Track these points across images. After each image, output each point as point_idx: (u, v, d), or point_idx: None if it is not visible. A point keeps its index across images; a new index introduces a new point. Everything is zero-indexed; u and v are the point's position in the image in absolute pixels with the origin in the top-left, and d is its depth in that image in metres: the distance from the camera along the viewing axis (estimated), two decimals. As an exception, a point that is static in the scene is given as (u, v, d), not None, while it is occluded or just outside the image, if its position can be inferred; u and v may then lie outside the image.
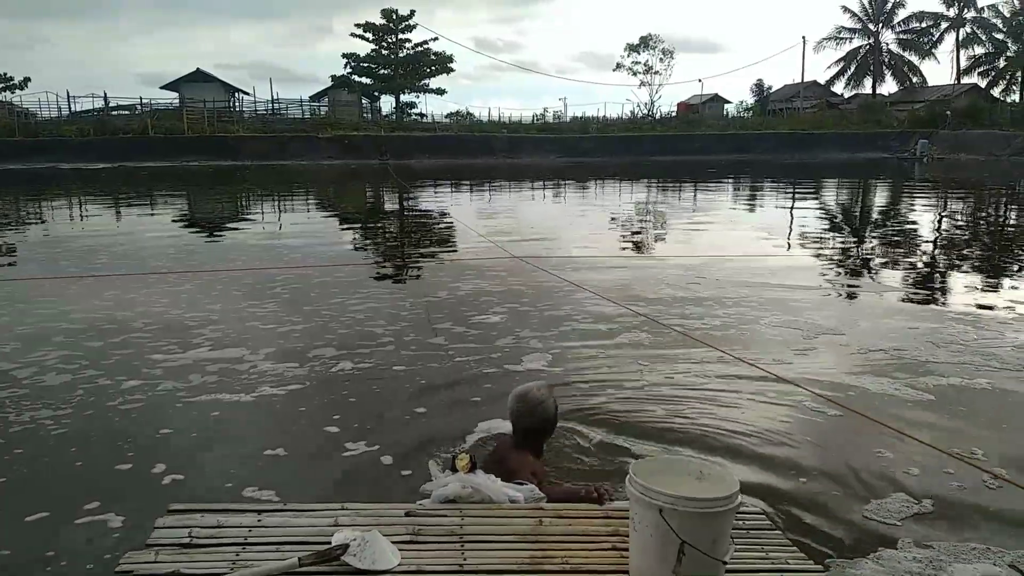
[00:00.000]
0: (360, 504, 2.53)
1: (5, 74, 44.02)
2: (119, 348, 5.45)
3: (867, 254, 10.76)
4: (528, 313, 6.51)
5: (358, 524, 2.34)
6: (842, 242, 12.25)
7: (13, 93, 44.61)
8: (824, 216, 16.16)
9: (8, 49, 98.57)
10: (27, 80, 44.36)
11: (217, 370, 4.91)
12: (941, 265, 10.00)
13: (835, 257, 10.47)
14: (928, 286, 8.36)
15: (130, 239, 11.96)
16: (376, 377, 4.84)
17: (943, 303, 7.39)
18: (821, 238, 12.32)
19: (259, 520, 2.41)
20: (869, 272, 9.23)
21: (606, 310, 6.58)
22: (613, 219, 15.16)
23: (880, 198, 22.10)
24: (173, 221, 15.57)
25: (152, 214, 16.84)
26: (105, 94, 43.23)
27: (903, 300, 7.35)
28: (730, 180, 28.00)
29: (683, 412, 4.13)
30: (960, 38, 52.08)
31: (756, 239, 11.98)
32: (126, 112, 43.94)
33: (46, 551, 2.75)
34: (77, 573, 2.64)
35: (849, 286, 8.23)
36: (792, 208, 17.97)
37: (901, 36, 53.62)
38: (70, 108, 43.41)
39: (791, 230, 13.33)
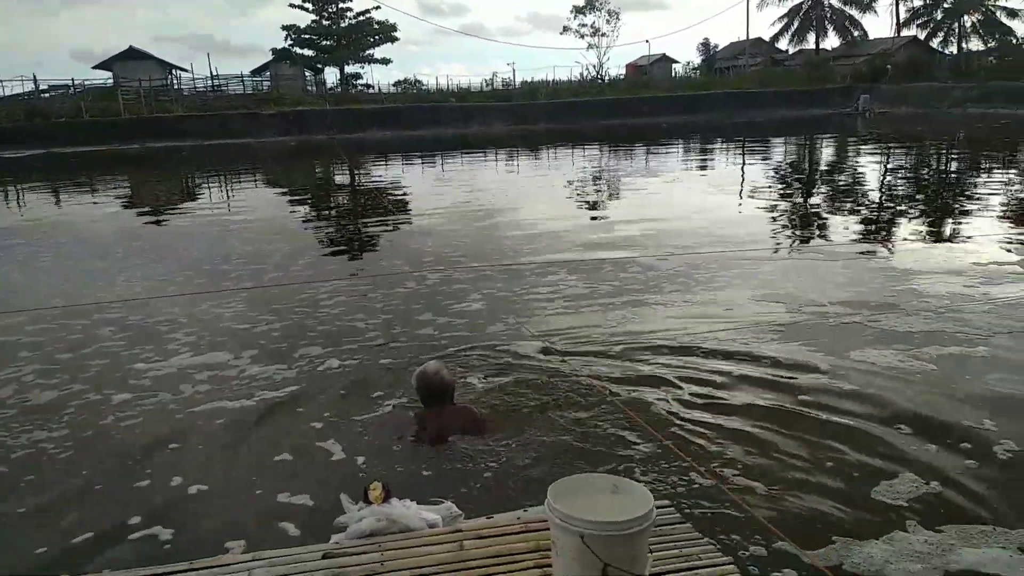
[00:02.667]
0: (274, 552, 2.46)
1: (-78, 58, 41.63)
2: (95, 358, 5.34)
3: (817, 214, 11.10)
4: (508, 299, 6.57)
5: (274, 577, 2.28)
6: (794, 204, 12.58)
7: (-68, 78, 42.26)
8: (775, 177, 16.54)
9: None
10: (-53, 64, 42.02)
11: (207, 378, 4.87)
12: (889, 222, 10.39)
13: (789, 218, 10.78)
14: (886, 245, 8.66)
15: (72, 231, 11.71)
16: (368, 372, 4.85)
17: (904, 262, 7.59)
18: (772, 201, 12.64)
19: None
20: (823, 233, 9.53)
21: (583, 285, 6.73)
22: (581, 197, 15.22)
23: (825, 156, 22.63)
24: (116, 209, 15.19)
25: (94, 202, 16.32)
26: (35, 76, 41.26)
27: (865, 262, 7.67)
28: (679, 142, 28.37)
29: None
30: (899, -10, 53.04)
31: (709, 201, 12.24)
32: (60, 92, 42.04)
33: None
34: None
35: (806, 249, 8.50)
36: (743, 168, 18.32)
37: (843, -11, 54.33)
38: (-4, 92, 41.33)
39: (742, 191, 13.64)
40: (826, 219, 10.51)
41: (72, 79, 43.98)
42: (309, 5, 46.22)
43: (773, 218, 10.95)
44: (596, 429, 3.80)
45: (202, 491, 3.38)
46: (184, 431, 4.05)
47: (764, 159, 21.23)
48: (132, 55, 46.12)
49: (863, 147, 24.12)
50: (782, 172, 17.84)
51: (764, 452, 3.52)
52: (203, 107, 41.33)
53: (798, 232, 9.72)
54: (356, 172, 21.98)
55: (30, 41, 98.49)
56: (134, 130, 36.63)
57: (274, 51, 47.98)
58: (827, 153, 23.39)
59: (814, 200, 12.99)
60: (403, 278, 7.61)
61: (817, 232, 9.52)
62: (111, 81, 43.93)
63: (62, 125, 36.60)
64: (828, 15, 54.78)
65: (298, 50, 47.28)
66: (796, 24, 55.07)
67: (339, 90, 47.53)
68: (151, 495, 3.37)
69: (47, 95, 42.10)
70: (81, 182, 21.26)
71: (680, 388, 4.32)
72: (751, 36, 54.28)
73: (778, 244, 8.92)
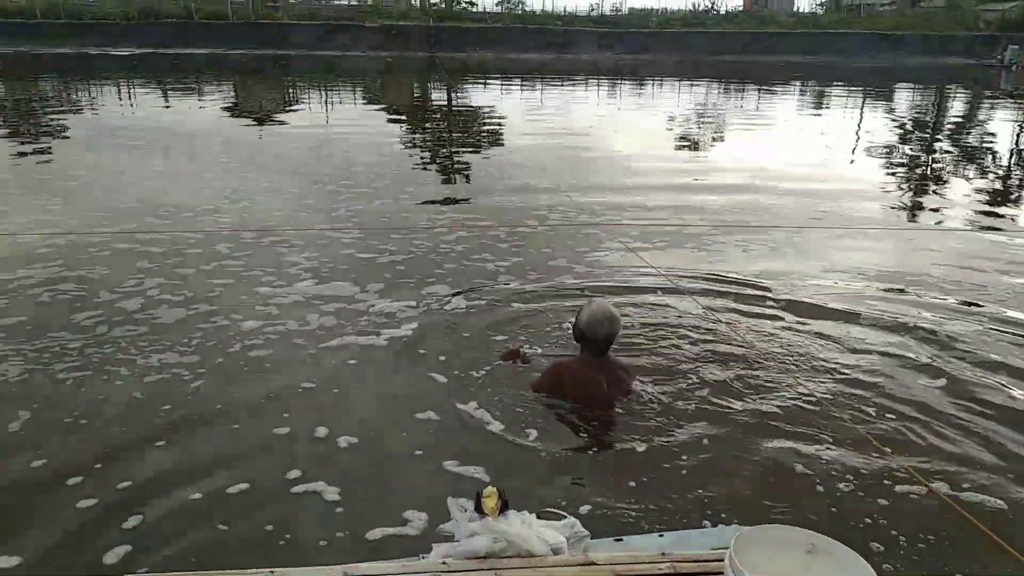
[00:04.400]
0: (357, 565, 1.95)
1: (47, -50, 42.79)
2: (217, 277, 5.13)
3: (980, 188, 9.93)
4: (650, 251, 6.02)
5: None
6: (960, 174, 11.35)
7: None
8: (923, 137, 15.10)
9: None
10: (70, -43, 43.13)
11: (333, 310, 4.58)
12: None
13: (951, 189, 9.69)
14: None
15: (178, 137, 11.75)
16: (502, 317, 4.47)
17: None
18: (927, 167, 11.46)
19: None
20: (983, 210, 8.48)
21: (733, 242, 6.12)
22: (703, 141, 14.30)
23: (974, 113, 20.55)
24: (220, 117, 15.24)
25: (200, 107, 16.45)
26: (148, -27, 41.88)
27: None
28: (801, 85, 26.47)
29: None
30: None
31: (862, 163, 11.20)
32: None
33: (267, 527, 2.56)
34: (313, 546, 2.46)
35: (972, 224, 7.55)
36: (861, 123, 16.82)
37: (997, -76, 48.82)
38: (114, -13, 42.28)
39: (891, 151, 12.44)
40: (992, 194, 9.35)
41: (185, -21, 44.46)
42: (420, -87, 44.93)
43: (937, 188, 9.88)
44: (782, 431, 3.21)
45: (353, 445, 3.07)
46: (316, 369, 3.76)
47: (909, 113, 19.47)
48: (242, -43, 46.08)
49: (1000, 106, 21.83)
50: (932, 131, 16.28)
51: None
52: (309, 15, 41.21)
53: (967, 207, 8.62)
54: (458, 93, 21.41)
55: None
56: (238, 35, 36.96)
57: (381, -39, 47.10)
58: (974, 110, 21.24)
59: (971, 171, 11.69)
60: (522, 216, 7.13)
61: (979, 209, 8.42)
62: (221, -17, 44.15)
63: (170, 25, 37.24)
64: (979, -48, 49.48)
65: (405, -39, 46.26)
66: (940, -39, 50.04)
67: (442, 5, 46.45)
68: (300, 444, 3.08)
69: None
70: (186, 86, 21.52)
71: (905, 387, 3.62)
72: (887, -28, 49.77)
73: (940, 219, 7.94)
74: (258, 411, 3.33)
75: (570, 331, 3.55)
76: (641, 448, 3.07)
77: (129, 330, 4.16)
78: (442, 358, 3.90)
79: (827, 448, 3.06)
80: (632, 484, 2.84)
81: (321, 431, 3.16)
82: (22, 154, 10.16)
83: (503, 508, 2.17)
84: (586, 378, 3.39)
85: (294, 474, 2.84)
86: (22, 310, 4.43)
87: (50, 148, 10.83)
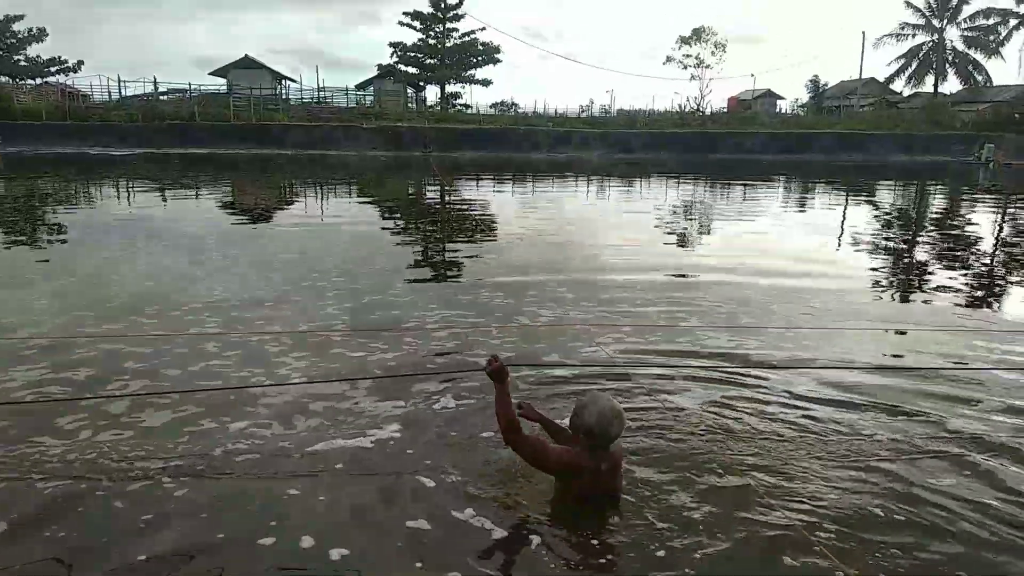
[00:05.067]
0: None
1: (59, 57, 44.81)
2: (206, 378, 5.06)
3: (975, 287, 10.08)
4: (641, 349, 6.02)
5: None
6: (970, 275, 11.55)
7: (67, 76, 45.46)
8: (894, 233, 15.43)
9: (63, 31, 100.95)
10: (80, 63, 45.21)
11: (321, 409, 4.52)
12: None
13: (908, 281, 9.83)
14: None
15: (169, 234, 11.82)
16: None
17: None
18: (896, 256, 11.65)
19: None
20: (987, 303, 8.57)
21: (725, 339, 6.11)
22: (694, 241, 14.53)
23: (964, 212, 21.09)
24: (213, 214, 15.46)
25: (195, 204, 16.74)
26: (155, 79, 43.71)
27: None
28: (786, 182, 27.21)
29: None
30: (1029, 36, 50.12)
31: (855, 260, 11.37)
32: (176, 96, 44.34)
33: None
34: None
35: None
36: (844, 219, 17.21)
37: (966, 33, 51.71)
38: (120, 92, 43.89)
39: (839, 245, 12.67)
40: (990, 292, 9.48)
41: (189, 83, 46.40)
42: (417, 24, 47.33)
43: (925, 281, 10.02)
44: (793, 530, 3.17)
45: (346, 557, 2.94)
46: (302, 476, 3.66)
47: (892, 207, 19.97)
48: (246, 64, 48.23)
49: (992, 200, 22.44)
50: (916, 225, 16.66)
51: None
52: (307, 117, 42.69)
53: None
54: (449, 191, 21.93)
55: (155, 45, 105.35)
56: (240, 136, 38.13)
57: (379, 67, 49.36)
58: (956, 205, 21.82)
59: (959, 262, 11.90)
60: (513, 312, 7.12)
61: (969, 302, 8.53)
62: (225, 88, 45.96)
63: (174, 128, 38.47)
64: (950, 58, 52.16)
65: (403, 67, 48.39)
66: (914, 65, 52.65)
67: (438, 108, 48.29)
68: (289, 556, 2.96)
69: (165, 97, 44.41)
70: (184, 183, 21.97)
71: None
72: (864, 75, 52.20)
73: (930, 313, 8.02)
74: (243, 520, 3.22)
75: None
76: (659, 553, 2.98)
77: (114, 435, 4.07)
78: (428, 461, 3.81)
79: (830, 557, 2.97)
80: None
81: (308, 541, 3.05)
82: (13, 251, 10.24)
83: None
84: (597, 475, 3.29)
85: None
86: (3, 415, 4.33)
87: (42, 245, 10.95)
